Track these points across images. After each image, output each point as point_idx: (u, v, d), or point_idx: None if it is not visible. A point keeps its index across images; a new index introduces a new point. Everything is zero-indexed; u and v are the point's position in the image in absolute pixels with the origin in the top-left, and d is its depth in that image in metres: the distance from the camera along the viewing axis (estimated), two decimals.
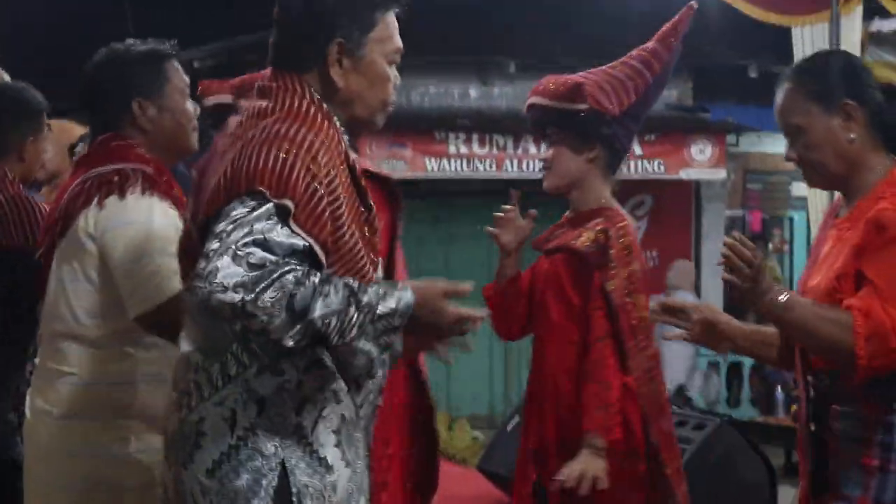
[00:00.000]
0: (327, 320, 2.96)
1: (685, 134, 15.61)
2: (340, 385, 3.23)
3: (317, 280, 2.97)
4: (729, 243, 3.50)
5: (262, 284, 2.89)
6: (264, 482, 3.10)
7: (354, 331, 3.01)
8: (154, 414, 3.74)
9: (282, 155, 3.05)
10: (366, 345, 3.09)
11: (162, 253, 3.71)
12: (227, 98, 5.14)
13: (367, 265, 3.24)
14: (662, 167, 15.69)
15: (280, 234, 2.98)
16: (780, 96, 3.87)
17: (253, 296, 2.88)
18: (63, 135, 6.28)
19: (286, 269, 2.94)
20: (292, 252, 2.99)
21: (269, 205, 2.99)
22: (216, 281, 2.88)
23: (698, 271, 16.69)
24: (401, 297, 3.08)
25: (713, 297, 15.27)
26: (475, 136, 16.13)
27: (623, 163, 4.85)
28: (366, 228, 3.25)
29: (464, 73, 17.38)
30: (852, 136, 3.74)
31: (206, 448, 3.12)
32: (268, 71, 3.38)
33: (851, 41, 11.41)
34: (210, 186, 3.13)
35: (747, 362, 15.03)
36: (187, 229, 3.32)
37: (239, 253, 2.91)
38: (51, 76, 7.35)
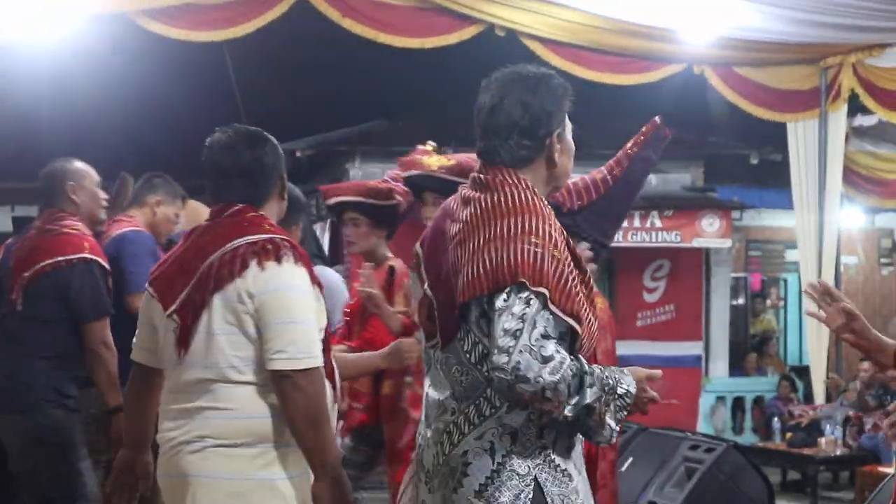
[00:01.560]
0: (595, 403, 3.10)
1: (697, 210, 15.57)
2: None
3: (585, 370, 3.10)
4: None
5: (554, 376, 3.02)
6: (522, 496, 3.18)
7: (607, 409, 3.14)
8: (295, 443, 3.68)
9: (534, 249, 3.11)
10: (611, 420, 3.17)
11: (309, 324, 3.68)
12: (345, 197, 5.34)
13: (594, 320, 3.30)
14: (679, 237, 15.66)
15: (551, 323, 3.08)
16: None
17: (548, 386, 3.02)
18: (194, 214, 6.37)
19: (566, 361, 3.06)
20: (561, 335, 3.12)
21: (539, 298, 3.07)
22: (519, 374, 3.00)
23: (707, 323, 16.61)
24: (629, 382, 3.21)
25: (721, 346, 15.25)
26: None
27: (604, 249, 4.78)
28: (584, 289, 3.28)
29: None
30: None
31: (473, 475, 3.20)
32: (478, 165, 3.41)
33: (837, 134, 11.41)
34: (463, 273, 3.18)
35: (749, 396, 14.96)
36: (426, 298, 3.39)
37: (533, 349, 3.02)
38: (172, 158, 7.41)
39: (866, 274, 17.38)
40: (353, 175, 13.59)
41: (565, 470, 3.27)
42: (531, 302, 3.06)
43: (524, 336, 3.02)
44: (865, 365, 13.30)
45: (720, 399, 14.92)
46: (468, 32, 9.79)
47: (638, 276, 16.91)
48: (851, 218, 14.89)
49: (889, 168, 13.14)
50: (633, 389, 3.19)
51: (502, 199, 3.23)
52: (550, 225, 3.20)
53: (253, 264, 3.64)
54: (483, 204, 3.25)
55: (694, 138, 17.00)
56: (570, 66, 10.18)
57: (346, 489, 3.65)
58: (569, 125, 3.42)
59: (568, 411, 3.08)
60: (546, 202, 3.35)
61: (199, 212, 7.19)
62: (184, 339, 3.70)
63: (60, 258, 5.28)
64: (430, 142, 5.30)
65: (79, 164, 5.62)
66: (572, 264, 3.22)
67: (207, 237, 3.80)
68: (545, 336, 3.04)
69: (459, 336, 3.23)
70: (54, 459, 5.20)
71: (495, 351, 3.03)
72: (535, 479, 3.20)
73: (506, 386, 3.02)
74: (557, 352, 3.04)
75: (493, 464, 3.18)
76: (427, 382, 3.42)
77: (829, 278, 11.53)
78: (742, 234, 17.39)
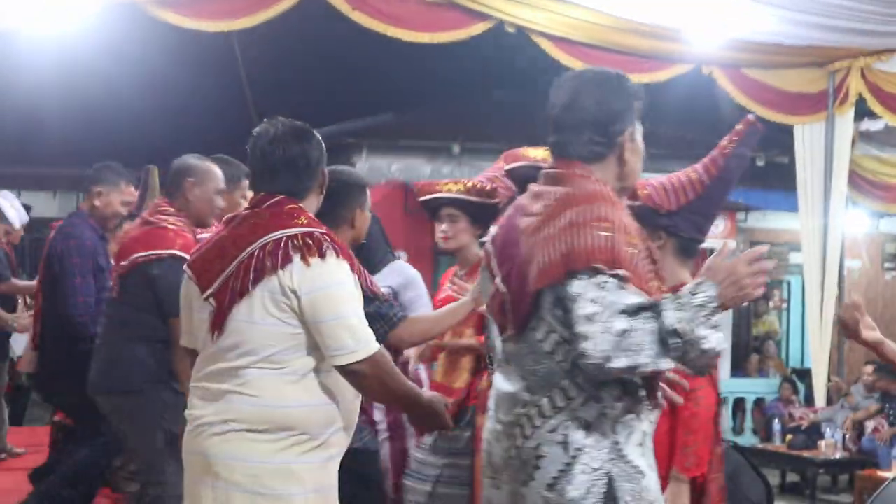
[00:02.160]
0: (678, 326, 3.07)
1: None
2: (643, 406, 3.33)
3: (657, 307, 3.10)
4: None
5: (636, 343, 3.06)
6: (595, 490, 3.21)
7: (693, 323, 3.09)
8: (316, 433, 3.78)
9: (606, 234, 3.15)
10: (705, 331, 3.12)
11: (358, 314, 3.77)
12: (448, 194, 5.46)
13: None
14: None
15: (626, 297, 3.10)
16: None
17: (633, 356, 3.06)
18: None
19: (639, 320, 3.08)
20: (639, 307, 3.11)
21: (612, 279, 3.11)
22: (603, 356, 3.04)
23: None
24: (706, 287, 3.15)
25: (726, 344, 15.21)
26: None
27: (699, 244, 4.74)
28: (657, 281, 3.36)
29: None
30: None
31: (545, 468, 3.22)
32: (549, 160, 3.51)
33: (844, 138, 11.42)
34: (537, 261, 3.22)
35: (749, 398, 14.97)
36: (497, 290, 3.42)
37: (608, 328, 3.05)
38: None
39: (870, 278, 17.38)
40: (360, 168, 13.57)
41: (637, 466, 3.29)
42: (606, 285, 3.10)
43: (601, 319, 3.06)
44: (868, 368, 13.32)
45: (721, 400, 14.92)
46: (478, 29, 9.80)
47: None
48: (856, 222, 14.89)
49: (895, 172, 13.15)
50: (712, 291, 3.14)
51: (575, 191, 3.29)
52: (622, 214, 3.26)
53: (297, 259, 3.70)
54: (556, 195, 3.30)
55: (700, 139, 17.01)
56: (578, 64, 10.17)
57: (442, 417, 3.91)
58: (640, 127, 3.49)
59: (668, 360, 3.10)
60: (633, 202, 3.43)
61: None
62: (218, 323, 3.79)
63: (152, 252, 5.32)
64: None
65: (207, 165, 5.63)
66: (646, 256, 3.30)
67: (247, 226, 3.87)
68: (618, 312, 3.07)
69: (532, 325, 3.27)
70: (156, 441, 5.30)
71: (577, 338, 3.08)
72: (608, 473, 3.23)
73: (595, 370, 3.07)
74: (632, 320, 3.07)
75: (567, 457, 3.21)
76: (498, 377, 3.45)
77: (832, 281, 11.56)
78: (746, 235, 17.38)
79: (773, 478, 10.46)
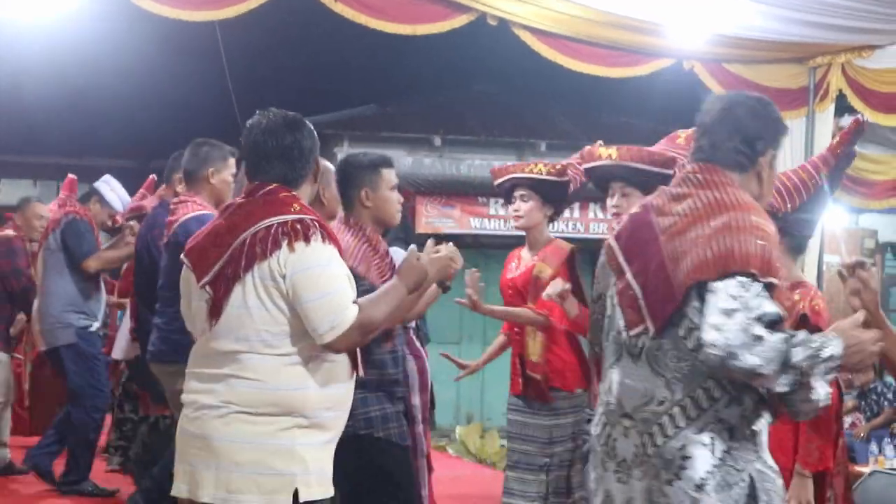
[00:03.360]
0: (805, 362, 3.16)
1: None
2: (768, 415, 3.43)
3: (793, 338, 3.18)
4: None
5: (765, 352, 3.12)
6: (738, 490, 3.29)
7: (816, 369, 3.19)
8: (318, 414, 3.88)
9: (762, 243, 3.26)
10: (820, 382, 3.22)
11: (341, 290, 3.86)
12: (518, 174, 5.86)
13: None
14: None
15: (769, 307, 3.20)
16: None
17: (759, 361, 3.12)
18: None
19: (776, 335, 3.15)
20: (777, 320, 3.21)
21: (760, 285, 3.21)
22: (731, 351, 3.12)
23: None
24: (835, 344, 3.23)
25: None
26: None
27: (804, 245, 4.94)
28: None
29: (504, 151, 17.50)
30: None
31: (693, 468, 3.29)
32: (692, 165, 3.58)
33: (824, 134, 11.45)
34: (689, 258, 3.30)
35: None
36: (627, 285, 3.49)
37: (747, 328, 3.13)
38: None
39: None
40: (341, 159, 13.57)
41: (773, 467, 3.40)
42: (750, 288, 3.19)
43: (739, 316, 3.15)
44: None
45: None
46: (460, 21, 9.80)
47: None
48: (836, 217, 14.94)
49: (875, 169, 13.21)
50: (838, 351, 3.23)
51: (725, 196, 3.40)
52: (772, 227, 3.36)
53: (284, 245, 3.81)
54: (705, 198, 3.41)
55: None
56: (560, 57, 10.22)
57: (420, 267, 4.07)
58: (778, 157, 3.62)
59: (781, 383, 3.17)
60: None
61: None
62: (216, 310, 3.90)
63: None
64: (599, 142, 5.54)
65: (226, 150, 5.80)
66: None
67: (241, 214, 3.98)
68: (759, 319, 3.16)
69: (675, 321, 3.34)
70: None
71: (707, 328, 3.16)
72: (750, 475, 3.32)
73: (718, 362, 3.14)
74: (769, 334, 3.14)
75: (714, 459, 3.29)
76: (616, 373, 3.52)
77: (811, 276, 11.59)
78: None
79: None
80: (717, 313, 3.16)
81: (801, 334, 3.21)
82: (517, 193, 5.82)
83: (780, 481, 3.41)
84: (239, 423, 3.82)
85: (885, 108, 10.89)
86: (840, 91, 11.16)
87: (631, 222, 3.59)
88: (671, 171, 4.74)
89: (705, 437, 3.30)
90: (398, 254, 5.45)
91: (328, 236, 3.90)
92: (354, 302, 3.90)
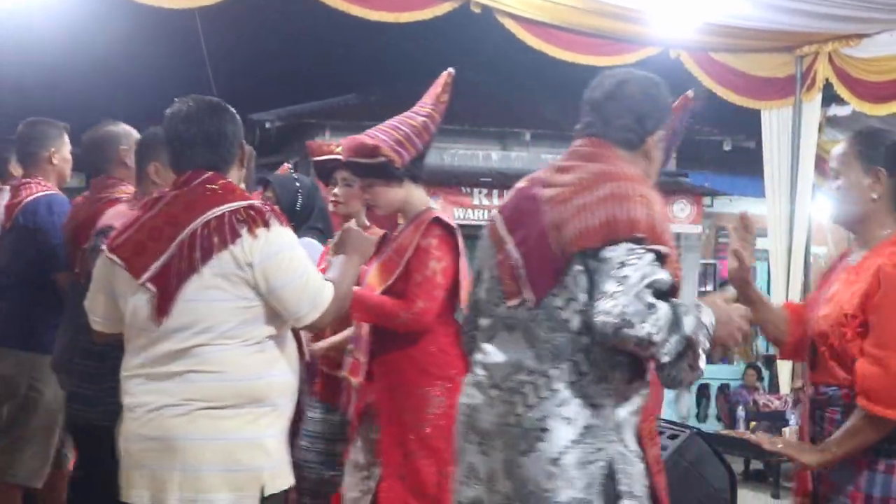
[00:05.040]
0: (694, 330, 3.17)
1: (669, 195, 15.64)
2: (638, 400, 3.41)
3: (681, 307, 3.18)
4: None
5: (658, 320, 3.11)
6: (597, 470, 3.25)
7: (702, 339, 3.22)
8: (279, 402, 3.84)
9: (650, 211, 3.26)
10: (703, 353, 3.24)
11: (311, 269, 3.87)
12: (331, 155, 5.44)
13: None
14: None
15: (661, 274, 3.19)
16: (840, 143, 3.96)
17: (652, 329, 3.10)
18: None
19: (667, 303, 3.15)
20: (669, 288, 3.21)
21: (652, 252, 3.21)
22: (626, 319, 3.09)
23: None
24: (709, 312, 3.28)
25: None
26: (495, 192, 16.27)
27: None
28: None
29: (488, 140, 17.48)
30: (874, 195, 3.79)
31: (550, 441, 3.24)
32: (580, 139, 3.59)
33: (811, 123, 11.45)
34: (569, 227, 3.27)
35: (713, 384, 15.05)
36: (507, 257, 3.45)
37: (640, 296, 3.11)
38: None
39: None
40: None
41: (634, 451, 3.37)
42: (643, 256, 3.17)
43: (633, 283, 3.12)
44: None
45: None
46: (443, 8, 9.74)
47: None
48: (822, 208, 14.92)
49: None
50: (712, 321, 3.26)
51: (612, 167, 3.40)
52: (659, 199, 3.37)
53: (244, 232, 3.74)
54: (591, 169, 3.39)
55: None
56: (544, 45, 10.18)
57: (367, 241, 4.18)
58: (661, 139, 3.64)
59: (667, 352, 3.15)
60: None
61: None
62: (164, 307, 3.78)
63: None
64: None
65: (126, 127, 5.48)
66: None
67: (179, 206, 3.87)
68: (651, 286, 3.14)
69: (554, 291, 3.30)
70: None
71: (601, 296, 3.13)
72: (609, 455, 3.28)
73: (611, 330, 3.11)
74: (657, 300, 3.13)
75: (573, 434, 3.24)
76: (490, 346, 3.48)
77: (798, 267, 11.60)
78: (713, 220, 17.49)
79: (737, 465, 10.48)
80: (611, 282, 3.14)
81: (686, 302, 3.23)
82: (338, 176, 5.43)
83: (641, 466, 3.38)
84: (203, 419, 3.74)
85: (872, 97, 10.87)
86: (827, 80, 11.14)
87: (515, 195, 3.58)
88: (380, 159, 4.76)
89: (566, 411, 3.25)
90: (312, 246, 5.34)
91: (279, 216, 3.85)
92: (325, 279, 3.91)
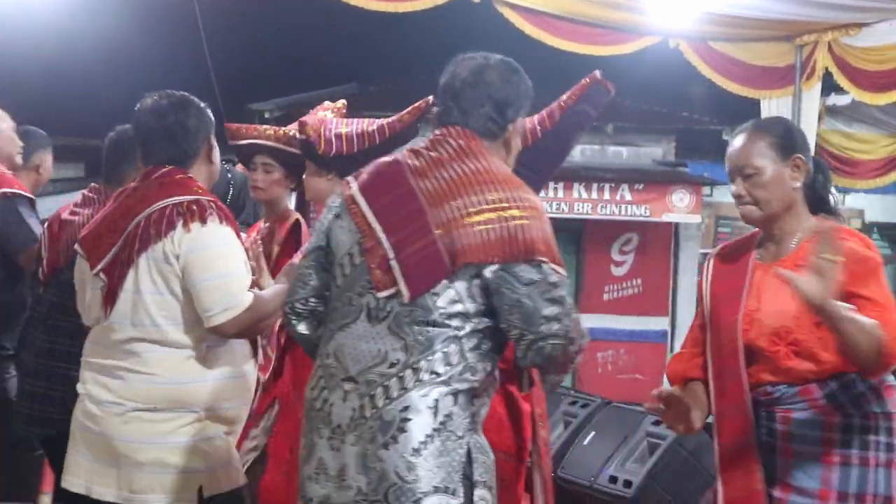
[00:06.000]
0: (583, 340, 3.35)
1: (668, 185, 15.64)
2: (493, 391, 3.44)
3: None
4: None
5: (582, 332, 3.32)
6: (457, 458, 3.24)
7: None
8: (217, 406, 3.86)
9: (544, 226, 3.33)
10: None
11: (237, 273, 3.84)
12: (261, 141, 5.18)
13: None
14: (648, 211, 15.73)
15: (564, 291, 3.30)
16: (740, 140, 3.87)
17: (583, 342, 3.34)
18: None
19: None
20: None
21: (560, 276, 3.28)
22: (570, 337, 3.25)
23: (675, 299, 16.68)
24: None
25: (687, 322, 15.27)
26: None
27: None
28: None
29: None
30: (796, 184, 3.78)
31: (412, 431, 3.22)
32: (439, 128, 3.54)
33: (810, 112, 11.43)
34: (457, 232, 3.25)
35: None
36: (377, 245, 3.36)
37: (570, 314, 3.26)
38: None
39: None
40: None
41: (486, 442, 3.38)
42: (553, 275, 3.26)
43: (565, 304, 3.25)
44: None
45: None
46: None
47: (606, 249, 16.99)
48: None
49: (861, 148, 13.20)
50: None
51: (489, 167, 3.37)
52: (539, 202, 3.42)
53: (179, 225, 3.77)
54: (469, 167, 3.35)
55: (667, 112, 17.05)
56: (543, 35, 10.16)
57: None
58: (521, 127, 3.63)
59: (579, 356, 3.35)
60: None
61: None
62: (110, 298, 3.84)
63: None
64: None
65: None
66: None
67: (136, 198, 3.93)
68: (571, 306, 3.30)
69: (436, 291, 3.26)
70: None
71: (543, 321, 3.21)
72: (468, 443, 3.27)
73: (560, 351, 3.23)
74: (575, 318, 3.30)
75: (436, 423, 3.23)
76: (345, 335, 3.37)
77: None
78: (712, 210, 17.48)
79: None
80: (547, 304, 3.22)
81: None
82: (259, 161, 5.20)
83: (493, 457, 3.39)
84: (138, 421, 3.78)
85: (871, 86, 10.87)
86: (826, 69, 11.14)
87: (377, 177, 3.47)
88: (303, 137, 4.71)
89: (430, 401, 3.24)
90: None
91: (226, 217, 3.86)
92: (250, 290, 3.84)
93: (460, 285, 3.25)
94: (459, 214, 3.26)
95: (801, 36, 11.13)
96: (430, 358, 3.25)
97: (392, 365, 3.27)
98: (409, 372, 3.25)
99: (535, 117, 4.49)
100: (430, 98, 4.68)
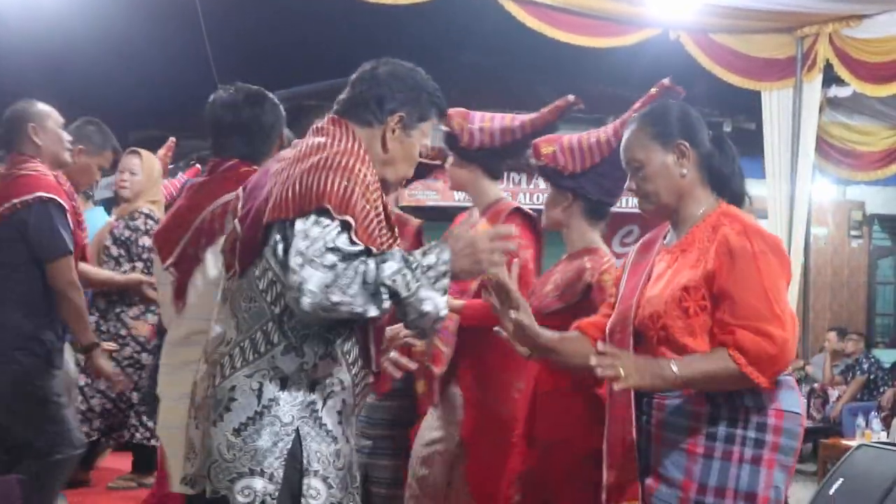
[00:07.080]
0: (394, 278, 3.07)
1: None
2: (345, 377, 3.31)
3: (376, 257, 3.11)
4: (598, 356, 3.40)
5: (340, 279, 3.03)
6: (281, 444, 3.17)
7: (414, 282, 3.11)
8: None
9: (344, 182, 3.15)
10: (427, 292, 3.14)
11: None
12: None
13: None
14: None
15: (344, 242, 3.09)
16: (626, 135, 3.80)
17: (335, 290, 3.02)
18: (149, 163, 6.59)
19: (352, 261, 3.06)
20: (354, 253, 3.09)
21: (336, 221, 3.09)
22: (305, 289, 3.00)
23: None
24: (440, 249, 3.19)
25: None
26: None
27: (608, 207, 4.72)
28: (391, 243, 3.35)
29: None
30: (684, 171, 3.70)
31: (235, 411, 3.19)
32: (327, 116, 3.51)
33: (811, 104, 11.44)
34: (272, 197, 3.20)
35: None
36: (234, 230, 3.37)
37: (315, 260, 3.03)
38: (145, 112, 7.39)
39: (835, 246, 17.48)
40: None
41: (331, 431, 3.27)
42: (327, 227, 3.08)
43: (313, 253, 3.04)
44: (832, 335, 13.41)
45: None
46: None
47: (606, 241, 16.99)
48: (823, 189, 14.95)
49: (862, 140, 13.21)
50: (445, 256, 3.18)
51: (329, 140, 3.33)
52: (369, 172, 3.27)
53: None
54: (307, 145, 3.32)
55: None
56: (544, 27, 10.17)
57: None
58: (426, 132, 3.55)
59: (371, 304, 3.08)
60: (393, 185, 3.63)
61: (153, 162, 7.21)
62: (180, 292, 3.86)
63: (16, 200, 5.18)
64: None
65: (41, 106, 5.50)
66: (383, 219, 3.30)
67: (203, 193, 3.95)
68: (330, 249, 3.06)
69: (254, 262, 3.24)
70: (28, 408, 5.12)
71: (290, 273, 3.04)
72: (297, 430, 3.20)
73: (295, 303, 3.03)
74: (342, 260, 3.06)
75: (259, 405, 3.18)
76: (216, 319, 3.40)
77: (798, 248, 11.61)
78: None
79: None
80: (294, 255, 3.05)
81: (397, 251, 3.17)
82: None
83: (338, 447, 3.29)
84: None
85: (872, 78, 10.89)
86: (827, 61, 11.14)
87: (261, 171, 3.50)
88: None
89: (255, 382, 3.19)
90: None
91: None
92: None
93: (268, 251, 3.22)
94: (278, 184, 3.24)
95: (801, 27, 11.14)
96: (253, 336, 3.23)
97: (227, 343, 3.28)
98: (237, 350, 3.24)
99: (609, 129, 4.58)
100: (571, 97, 4.78)
